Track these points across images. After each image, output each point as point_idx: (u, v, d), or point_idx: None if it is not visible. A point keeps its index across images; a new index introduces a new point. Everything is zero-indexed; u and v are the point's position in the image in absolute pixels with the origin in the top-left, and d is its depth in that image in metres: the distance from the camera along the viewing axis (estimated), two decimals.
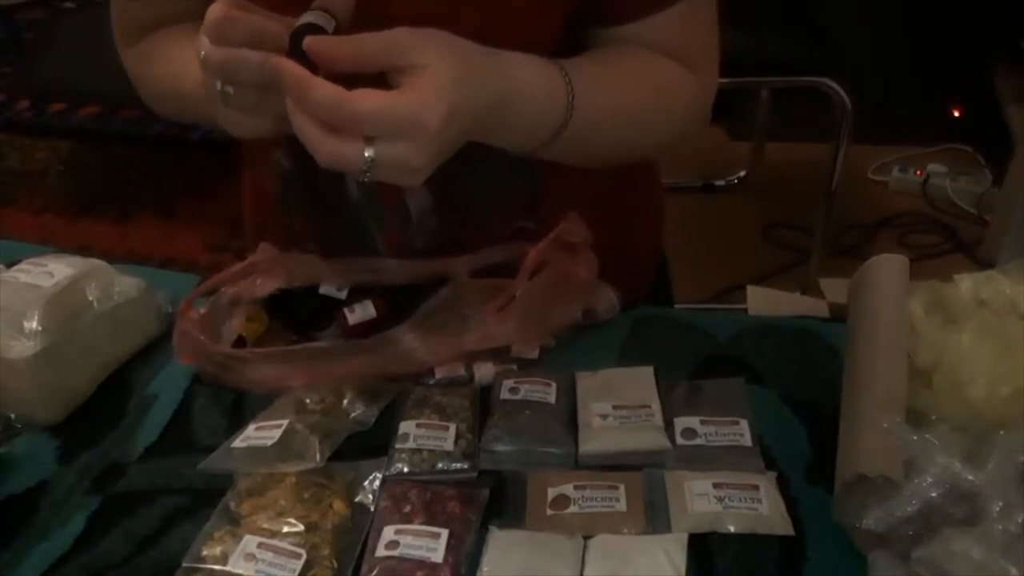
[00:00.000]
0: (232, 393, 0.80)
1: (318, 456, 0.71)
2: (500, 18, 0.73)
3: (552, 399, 0.75)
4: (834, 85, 1.98)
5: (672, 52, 0.79)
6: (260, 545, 0.63)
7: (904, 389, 0.64)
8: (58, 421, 0.78)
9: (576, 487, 0.68)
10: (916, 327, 0.67)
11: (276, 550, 0.63)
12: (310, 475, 0.69)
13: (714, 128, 2.76)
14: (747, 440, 0.71)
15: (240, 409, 0.79)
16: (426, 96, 0.59)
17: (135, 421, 0.78)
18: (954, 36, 2.44)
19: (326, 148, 0.59)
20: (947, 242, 2.43)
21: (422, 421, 0.74)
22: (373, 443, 0.74)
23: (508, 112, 0.67)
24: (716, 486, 0.67)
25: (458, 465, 0.71)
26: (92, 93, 2.55)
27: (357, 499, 0.69)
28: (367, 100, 0.58)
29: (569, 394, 0.77)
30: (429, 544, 0.64)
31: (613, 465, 0.71)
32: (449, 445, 0.72)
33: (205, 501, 0.69)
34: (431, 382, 0.79)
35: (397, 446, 0.72)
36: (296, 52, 0.59)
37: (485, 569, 0.63)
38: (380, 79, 0.60)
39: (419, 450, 0.72)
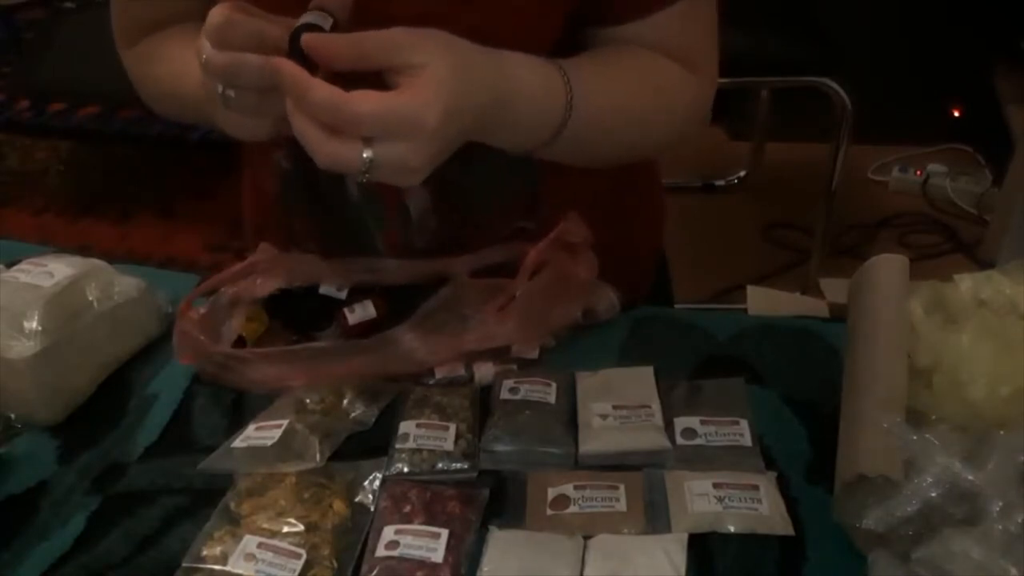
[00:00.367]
0: (232, 393, 0.80)
1: (318, 456, 0.71)
2: (499, 18, 0.73)
3: (552, 399, 0.75)
4: (834, 85, 1.98)
5: (671, 52, 0.79)
6: (260, 545, 0.63)
7: (904, 389, 0.64)
8: (58, 421, 0.78)
9: (576, 487, 0.68)
10: (916, 327, 0.67)
11: (276, 550, 0.63)
12: (310, 475, 0.69)
13: (714, 128, 2.76)
14: (747, 440, 0.71)
15: (240, 409, 0.79)
16: (424, 96, 0.59)
17: (135, 421, 0.78)
18: (954, 36, 2.44)
19: (325, 149, 0.59)
20: (947, 242, 2.43)
21: (422, 421, 0.74)
22: (373, 443, 0.74)
23: (507, 111, 0.67)
24: (716, 486, 0.67)
25: (458, 465, 0.71)
26: (92, 93, 2.55)
27: (357, 499, 0.69)
28: (365, 101, 0.58)
29: (569, 394, 0.77)
30: (429, 544, 0.64)
31: (613, 465, 0.71)
32: (449, 445, 0.72)
33: (205, 501, 0.69)
34: (431, 382, 0.79)
35: (397, 446, 0.72)
36: (295, 52, 0.59)
37: (485, 569, 0.63)
38: (378, 79, 0.60)
39: (419, 450, 0.72)
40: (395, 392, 0.78)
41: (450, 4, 0.71)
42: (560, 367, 0.80)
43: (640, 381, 0.78)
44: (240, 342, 0.82)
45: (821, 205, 2.15)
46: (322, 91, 0.57)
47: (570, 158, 0.78)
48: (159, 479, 0.72)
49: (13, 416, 0.77)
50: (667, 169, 1.05)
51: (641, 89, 0.78)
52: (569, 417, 0.75)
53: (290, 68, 0.58)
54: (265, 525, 0.65)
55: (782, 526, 0.65)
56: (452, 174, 0.66)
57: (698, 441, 0.71)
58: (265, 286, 0.84)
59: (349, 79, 0.59)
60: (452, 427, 0.73)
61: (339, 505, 0.67)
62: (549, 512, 0.67)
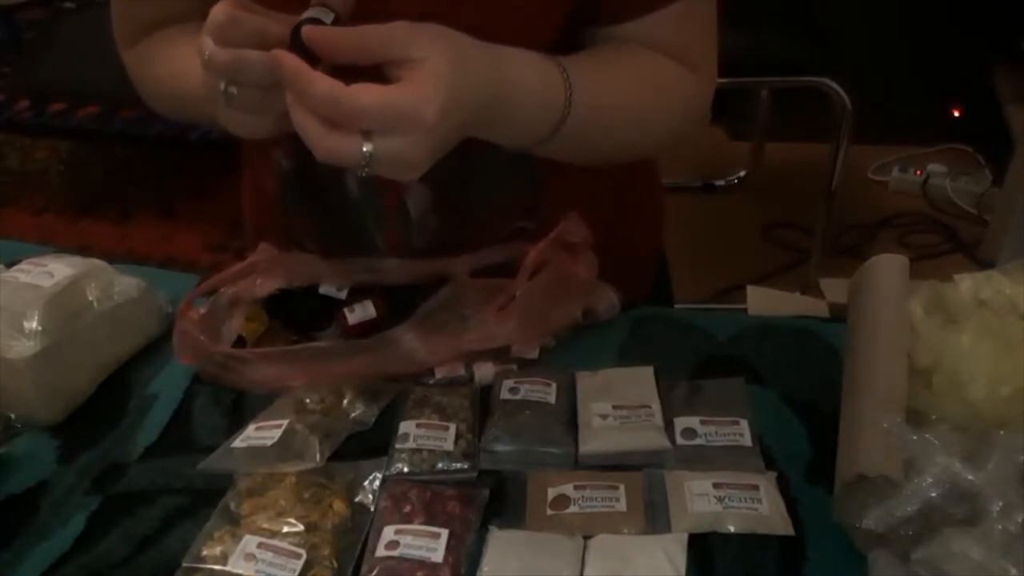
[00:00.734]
0: (232, 393, 0.80)
1: (318, 456, 0.71)
2: (498, 16, 0.73)
3: (552, 399, 0.75)
4: (834, 85, 1.99)
5: (670, 51, 0.79)
6: (260, 545, 0.63)
7: (904, 389, 0.64)
8: (58, 421, 0.78)
9: (576, 487, 0.68)
10: (916, 327, 0.67)
11: (276, 550, 0.63)
12: (310, 475, 0.69)
13: (714, 128, 2.76)
14: (747, 440, 0.71)
15: (240, 409, 0.79)
16: (424, 90, 0.59)
17: (135, 421, 0.78)
18: (954, 36, 2.44)
19: (325, 143, 0.59)
20: (947, 242, 2.43)
21: (422, 421, 0.74)
22: (373, 443, 0.74)
23: (506, 106, 0.67)
24: (716, 486, 0.67)
25: (458, 465, 0.71)
26: (92, 93, 2.55)
27: (357, 499, 0.69)
28: (366, 94, 0.58)
29: (569, 394, 0.77)
30: (429, 544, 0.64)
31: (613, 465, 0.71)
32: (449, 445, 0.72)
33: (205, 501, 0.69)
34: (431, 382, 0.79)
35: (397, 446, 0.72)
36: (297, 46, 0.59)
37: (485, 569, 0.63)
38: (378, 74, 0.61)
39: (419, 450, 0.71)
40: (395, 392, 0.78)
41: (450, 2, 0.71)
42: (560, 367, 0.80)
43: (640, 381, 0.78)
44: (240, 342, 0.82)
45: (821, 205, 2.15)
46: (323, 84, 0.57)
47: (568, 155, 0.78)
48: (159, 479, 0.72)
49: (13, 416, 0.77)
50: (667, 169, 1.05)
51: (640, 88, 0.78)
52: (569, 417, 0.75)
53: (291, 61, 0.58)
54: (265, 525, 0.65)
55: (782, 526, 0.65)
56: (452, 173, 0.66)
57: (698, 441, 0.71)
58: (265, 286, 0.84)
59: (349, 73, 0.59)
60: (452, 427, 0.73)
61: (339, 505, 0.67)
62: (549, 512, 0.67)
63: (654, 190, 1.03)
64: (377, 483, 0.70)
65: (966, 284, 0.70)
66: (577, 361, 0.81)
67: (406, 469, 0.71)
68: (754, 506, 0.66)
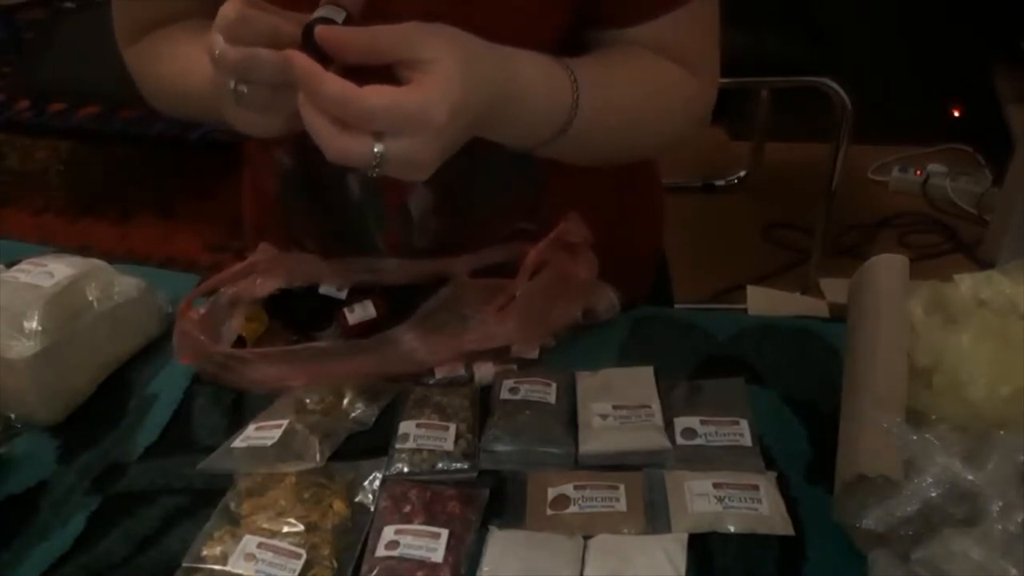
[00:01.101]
0: (232, 393, 0.80)
1: (318, 456, 0.71)
2: (502, 17, 0.73)
3: (552, 399, 0.75)
4: (834, 85, 1.99)
5: (673, 54, 0.79)
6: (260, 545, 0.63)
7: (904, 389, 0.64)
8: (58, 421, 0.78)
9: (576, 487, 0.68)
10: (916, 327, 0.67)
11: (276, 550, 0.63)
12: (310, 475, 0.69)
13: (714, 128, 2.75)
14: (747, 440, 0.71)
15: (240, 409, 0.79)
16: (434, 92, 0.59)
17: (135, 421, 0.78)
18: (954, 36, 2.43)
19: (336, 144, 0.59)
20: (947, 242, 2.43)
21: (422, 421, 0.74)
22: (373, 443, 0.74)
23: (514, 106, 0.67)
24: (716, 486, 0.67)
25: (458, 465, 0.71)
26: (92, 93, 2.55)
27: (357, 499, 0.69)
28: (377, 96, 0.58)
29: (569, 394, 0.77)
30: (429, 544, 0.64)
31: (613, 465, 0.71)
32: (449, 445, 0.72)
33: (205, 501, 0.69)
34: (431, 382, 0.79)
35: (397, 446, 0.72)
36: (309, 46, 0.59)
37: (485, 569, 0.63)
38: (388, 73, 0.61)
39: (419, 450, 0.72)
40: (395, 392, 0.78)
41: (454, 3, 0.71)
42: (560, 367, 0.80)
43: (640, 381, 0.78)
44: (240, 342, 0.82)
45: (821, 205, 2.15)
46: (334, 85, 0.57)
47: (571, 156, 0.78)
48: (159, 479, 0.72)
49: (13, 416, 0.77)
50: (667, 169, 1.05)
51: (644, 91, 0.79)
52: (569, 417, 0.75)
53: (303, 61, 0.58)
54: (265, 525, 0.65)
55: (782, 526, 0.65)
56: (456, 175, 0.66)
57: (698, 441, 0.71)
58: (265, 286, 0.84)
59: (360, 73, 0.59)
60: (452, 427, 0.73)
61: (339, 505, 0.67)
62: (549, 512, 0.67)
63: (654, 190, 1.03)
64: (377, 483, 0.70)
65: (966, 284, 0.70)
66: (577, 361, 0.81)
67: (406, 469, 0.71)
68: (754, 506, 0.66)
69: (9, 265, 0.82)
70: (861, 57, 2.25)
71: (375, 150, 0.59)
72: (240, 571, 0.62)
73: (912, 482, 0.58)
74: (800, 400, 0.77)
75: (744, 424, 0.72)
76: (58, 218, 2.73)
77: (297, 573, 0.62)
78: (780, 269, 2.34)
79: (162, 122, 2.44)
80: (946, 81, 2.53)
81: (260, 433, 0.73)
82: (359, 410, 0.76)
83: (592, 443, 0.72)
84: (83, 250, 0.88)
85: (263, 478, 0.69)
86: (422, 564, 0.63)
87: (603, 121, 0.75)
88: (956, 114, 2.65)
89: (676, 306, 1.08)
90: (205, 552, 0.64)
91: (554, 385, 0.77)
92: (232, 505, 0.68)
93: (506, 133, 0.70)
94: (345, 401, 0.77)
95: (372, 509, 0.68)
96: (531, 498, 0.68)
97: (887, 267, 0.72)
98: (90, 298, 0.80)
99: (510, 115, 0.68)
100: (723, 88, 0.85)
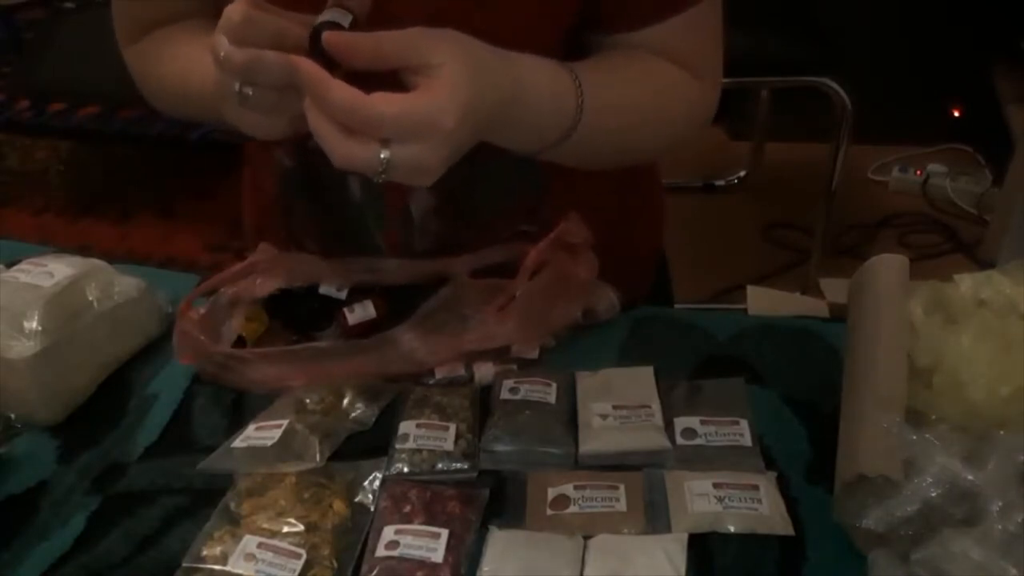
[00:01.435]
0: (232, 393, 0.80)
1: (318, 456, 0.71)
2: (505, 20, 0.73)
3: (552, 399, 0.75)
4: (834, 85, 1.99)
5: (677, 58, 0.79)
6: (260, 545, 0.63)
7: (904, 389, 0.64)
8: (58, 421, 0.78)
9: (576, 487, 0.68)
10: (916, 327, 0.67)
11: (276, 550, 0.63)
12: (310, 475, 0.69)
13: (714, 128, 2.75)
14: (747, 440, 0.71)
15: (240, 409, 0.79)
16: (441, 97, 0.59)
17: (135, 421, 0.78)
18: (954, 36, 2.44)
19: (342, 150, 0.59)
20: (947, 242, 2.43)
21: (422, 421, 0.74)
22: (373, 443, 0.74)
23: (518, 110, 0.67)
24: (716, 486, 0.67)
25: (458, 465, 0.71)
26: (92, 93, 2.55)
27: (357, 499, 0.69)
28: (384, 103, 0.57)
29: (569, 394, 0.77)
30: (429, 544, 0.64)
31: (613, 465, 0.71)
32: (449, 445, 0.72)
33: (205, 501, 0.69)
34: (431, 382, 0.79)
35: (397, 446, 0.72)
36: (315, 50, 0.59)
37: (485, 569, 0.63)
38: (394, 78, 0.60)
39: (419, 450, 0.72)
40: (395, 392, 0.78)
41: (458, 5, 0.71)
42: (560, 367, 0.80)
43: (640, 381, 0.78)
44: (240, 342, 0.82)
45: (821, 205, 2.15)
46: (342, 91, 0.57)
47: (575, 160, 0.78)
48: (159, 479, 0.72)
49: (13, 416, 0.77)
50: (667, 169, 1.05)
51: (647, 94, 0.79)
52: (569, 417, 0.75)
53: (309, 67, 0.58)
54: (265, 525, 0.65)
55: (782, 526, 0.65)
56: (458, 179, 0.66)
57: (698, 441, 0.71)
58: (265, 286, 0.84)
59: (365, 78, 0.59)
60: (452, 427, 0.73)
61: (339, 505, 0.67)
62: (549, 512, 0.67)
63: (655, 191, 1.03)
64: (377, 483, 0.70)
65: (966, 284, 0.70)
66: (577, 361, 0.81)
67: (406, 469, 0.71)
68: (754, 506, 0.66)
69: (9, 265, 0.82)
70: (861, 57, 2.25)
71: (381, 156, 0.59)
72: (240, 571, 0.62)
73: (912, 482, 0.58)
74: (800, 400, 0.77)
75: (744, 424, 0.72)
76: (58, 218, 2.73)
77: (297, 573, 0.62)
78: (780, 269, 2.34)
79: (162, 122, 2.44)
80: (946, 81, 2.53)
81: (260, 433, 0.73)
82: (359, 410, 0.76)
83: (592, 443, 0.72)
84: (83, 250, 0.88)
85: (263, 478, 0.69)
86: (422, 564, 0.63)
87: (607, 124, 0.75)
88: (956, 114, 2.65)
89: (676, 306, 1.07)
90: (205, 552, 0.64)
91: (554, 385, 0.77)
92: (232, 505, 0.68)
93: (511, 137, 0.70)
94: (345, 401, 0.77)
95: (372, 509, 0.68)
96: (531, 498, 0.69)
97: (887, 267, 0.72)
98: (90, 298, 0.80)
99: (515, 119, 0.68)
100: (723, 88, 0.85)
